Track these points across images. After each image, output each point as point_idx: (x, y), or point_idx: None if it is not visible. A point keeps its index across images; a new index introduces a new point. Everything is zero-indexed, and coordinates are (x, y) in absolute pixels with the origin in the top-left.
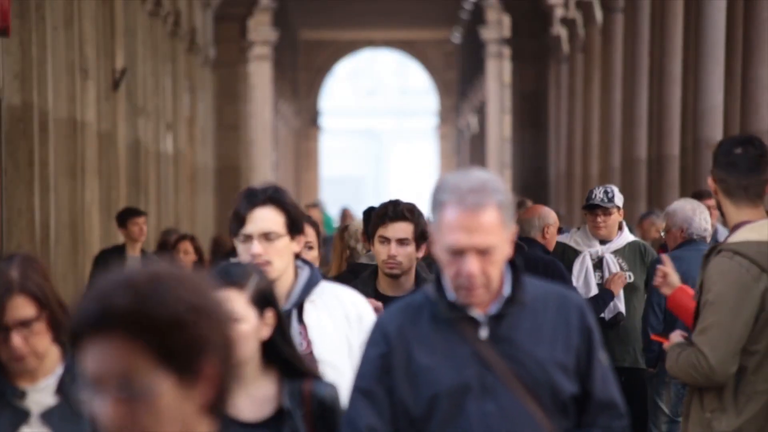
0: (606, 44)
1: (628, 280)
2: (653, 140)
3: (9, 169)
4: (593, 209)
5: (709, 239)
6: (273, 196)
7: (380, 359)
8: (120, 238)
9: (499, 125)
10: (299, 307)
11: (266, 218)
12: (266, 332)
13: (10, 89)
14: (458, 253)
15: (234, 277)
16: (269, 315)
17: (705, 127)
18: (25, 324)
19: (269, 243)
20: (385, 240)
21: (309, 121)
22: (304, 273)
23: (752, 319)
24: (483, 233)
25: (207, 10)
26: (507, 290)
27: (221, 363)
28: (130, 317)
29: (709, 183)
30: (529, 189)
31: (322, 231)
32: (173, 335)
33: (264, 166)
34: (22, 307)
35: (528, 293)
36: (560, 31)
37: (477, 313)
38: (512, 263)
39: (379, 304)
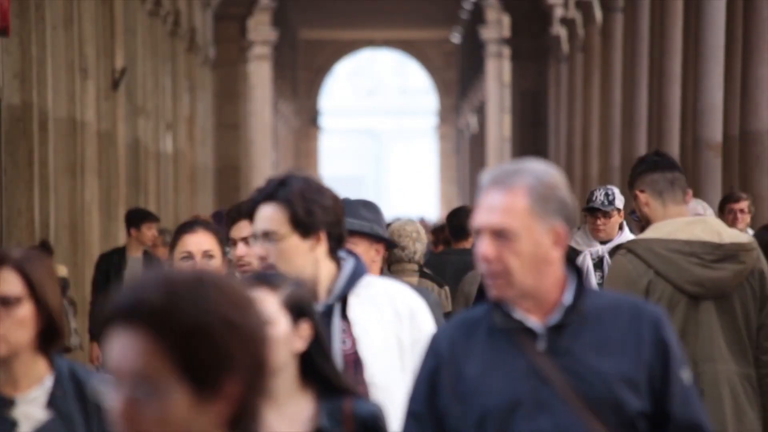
0: (606, 44)
1: None
2: (653, 140)
3: (9, 168)
4: (593, 212)
5: None
6: (275, 191)
7: (429, 377)
8: (120, 239)
9: (499, 125)
10: (343, 302)
11: (266, 217)
12: (299, 344)
13: (10, 89)
14: (478, 234)
15: (268, 279)
16: (304, 327)
17: (705, 127)
18: (5, 302)
19: (271, 244)
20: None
21: (309, 120)
22: (348, 265)
23: None
24: (501, 213)
25: (207, 10)
26: (568, 299)
27: (246, 384)
28: (158, 315)
29: (636, 201)
30: None
31: None
32: (198, 344)
33: (264, 166)
34: (7, 282)
35: (592, 303)
36: (560, 30)
37: (535, 323)
38: (577, 271)
39: None
